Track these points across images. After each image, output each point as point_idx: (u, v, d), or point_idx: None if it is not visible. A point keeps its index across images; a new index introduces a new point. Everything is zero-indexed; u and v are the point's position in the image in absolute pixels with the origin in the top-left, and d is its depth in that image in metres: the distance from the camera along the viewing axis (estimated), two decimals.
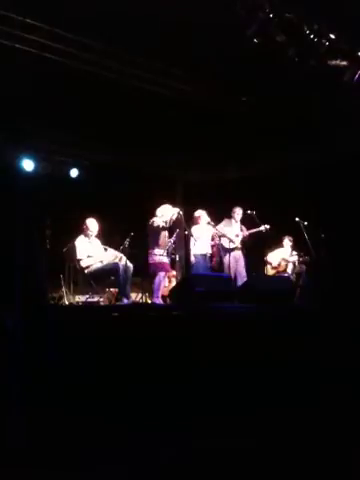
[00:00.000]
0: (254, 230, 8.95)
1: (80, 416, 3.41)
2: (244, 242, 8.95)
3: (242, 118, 8.34)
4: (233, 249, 8.74)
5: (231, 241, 8.66)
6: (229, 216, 8.96)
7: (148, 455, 2.82)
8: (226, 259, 8.67)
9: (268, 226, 8.78)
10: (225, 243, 8.72)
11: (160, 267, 7.58)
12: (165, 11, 5.85)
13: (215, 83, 7.79)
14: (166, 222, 7.66)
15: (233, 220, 8.95)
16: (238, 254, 8.85)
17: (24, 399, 3.30)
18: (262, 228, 8.79)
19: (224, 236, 8.71)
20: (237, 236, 8.86)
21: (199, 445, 3.03)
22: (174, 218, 7.76)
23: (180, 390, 3.92)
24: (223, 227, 8.80)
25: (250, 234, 8.97)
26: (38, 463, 2.71)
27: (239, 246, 8.88)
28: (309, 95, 7.60)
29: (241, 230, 8.98)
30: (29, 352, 3.58)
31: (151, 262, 7.58)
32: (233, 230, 8.88)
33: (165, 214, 7.71)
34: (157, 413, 3.54)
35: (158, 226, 7.57)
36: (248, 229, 8.98)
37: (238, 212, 8.93)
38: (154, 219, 7.62)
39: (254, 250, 9.19)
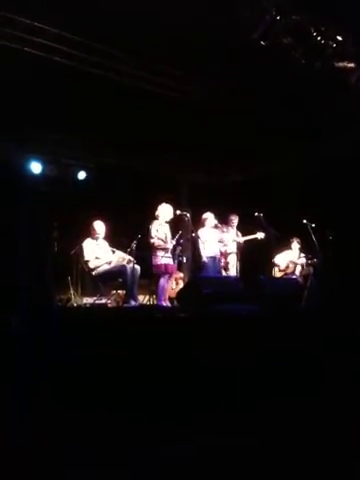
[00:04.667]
0: (249, 237, 9.27)
1: (83, 415, 3.43)
2: (240, 248, 9.27)
3: (247, 118, 8.34)
4: (229, 254, 9.12)
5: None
6: (226, 222, 9.23)
7: (149, 453, 2.84)
8: None
9: (263, 234, 9.14)
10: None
11: (163, 269, 7.55)
12: (168, 13, 5.87)
13: (219, 84, 7.78)
14: (164, 232, 7.63)
15: (230, 227, 9.26)
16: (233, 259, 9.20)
17: (28, 399, 3.32)
18: (257, 235, 9.08)
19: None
20: (233, 242, 9.22)
21: (201, 443, 3.04)
22: (172, 217, 7.76)
23: (184, 390, 3.94)
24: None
25: (245, 241, 9.33)
26: (39, 462, 2.74)
27: (235, 251, 9.19)
28: (314, 94, 7.58)
29: (237, 236, 9.31)
30: (34, 351, 3.61)
31: (154, 264, 7.57)
32: (229, 236, 9.18)
33: (165, 215, 7.69)
34: (159, 413, 3.55)
35: (153, 243, 7.56)
36: (247, 234, 9.32)
37: (234, 219, 9.33)
38: (152, 235, 7.56)
39: (262, 252, 9.22)
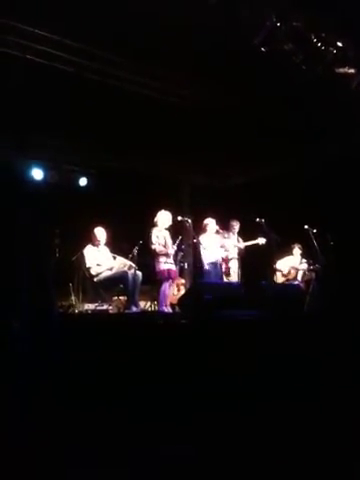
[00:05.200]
0: (250, 243, 9.27)
1: (83, 416, 3.44)
2: (241, 254, 9.26)
3: (247, 121, 8.36)
4: (230, 259, 9.10)
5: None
6: (228, 228, 9.22)
7: (149, 453, 2.84)
8: None
9: (264, 240, 9.10)
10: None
11: (166, 275, 7.55)
12: (167, 18, 5.89)
13: (219, 87, 7.79)
14: (165, 238, 7.64)
15: (231, 232, 9.25)
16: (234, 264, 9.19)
17: (28, 400, 3.32)
18: (258, 241, 9.07)
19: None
20: (235, 247, 9.21)
21: (201, 444, 3.04)
22: (171, 223, 7.77)
23: (185, 394, 3.94)
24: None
25: (246, 247, 9.32)
26: (39, 462, 2.74)
27: (236, 257, 9.18)
28: (315, 97, 7.57)
29: (238, 241, 9.30)
30: (34, 354, 3.62)
31: (157, 270, 7.58)
32: (230, 242, 9.16)
33: (163, 222, 7.69)
34: (159, 415, 3.56)
35: (154, 250, 7.56)
36: (249, 240, 9.31)
37: (235, 225, 9.32)
38: (152, 241, 7.55)
39: (263, 258, 9.21)
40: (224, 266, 9.05)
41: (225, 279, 9.04)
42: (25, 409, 3.30)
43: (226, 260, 9.06)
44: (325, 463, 2.85)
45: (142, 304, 8.01)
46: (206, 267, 8.50)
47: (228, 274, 9.15)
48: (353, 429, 3.36)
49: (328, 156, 9.53)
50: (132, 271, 7.32)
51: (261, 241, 9.14)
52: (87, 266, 7.45)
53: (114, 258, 7.66)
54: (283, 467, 2.78)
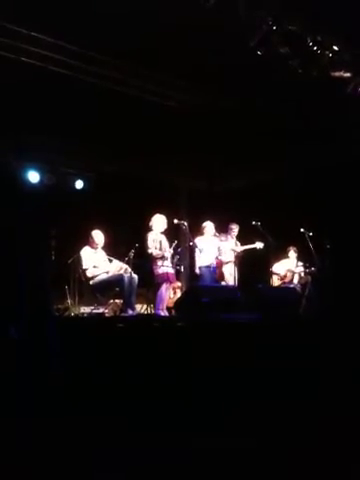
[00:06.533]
0: (248, 247, 9.19)
1: (80, 420, 3.44)
2: (238, 257, 9.15)
3: (244, 126, 8.37)
4: (227, 263, 9.01)
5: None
6: (226, 231, 9.17)
7: (146, 457, 2.84)
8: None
9: (262, 244, 9.05)
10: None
11: (165, 278, 7.55)
12: (167, 25, 5.90)
13: (217, 92, 7.80)
14: (160, 242, 7.64)
15: (229, 236, 9.19)
16: (231, 268, 9.08)
17: (28, 407, 3.32)
18: (256, 245, 9.02)
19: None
20: (232, 251, 9.11)
21: (199, 446, 3.04)
22: (166, 227, 7.77)
23: (183, 396, 3.94)
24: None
25: (244, 250, 9.23)
26: (40, 465, 2.74)
27: (232, 260, 9.08)
28: (312, 99, 7.58)
29: (236, 245, 9.23)
30: (32, 359, 3.62)
31: (156, 273, 7.57)
32: (227, 245, 9.09)
33: (158, 226, 7.71)
34: (156, 418, 3.55)
35: (151, 254, 7.57)
36: (246, 244, 9.23)
37: (234, 228, 9.24)
38: (149, 245, 7.58)
39: (260, 261, 9.20)
40: (217, 271, 9.01)
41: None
42: (23, 414, 3.30)
43: (219, 264, 9.00)
44: (324, 463, 2.86)
45: (138, 307, 7.98)
46: (198, 270, 8.52)
47: (222, 278, 9.11)
48: (350, 430, 3.36)
49: (324, 160, 9.55)
50: (128, 274, 7.30)
51: (259, 245, 9.09)
52: (83, 267, 7.43)
53: (110, 261, 7.65)
54: (283, 468, 2.78)
